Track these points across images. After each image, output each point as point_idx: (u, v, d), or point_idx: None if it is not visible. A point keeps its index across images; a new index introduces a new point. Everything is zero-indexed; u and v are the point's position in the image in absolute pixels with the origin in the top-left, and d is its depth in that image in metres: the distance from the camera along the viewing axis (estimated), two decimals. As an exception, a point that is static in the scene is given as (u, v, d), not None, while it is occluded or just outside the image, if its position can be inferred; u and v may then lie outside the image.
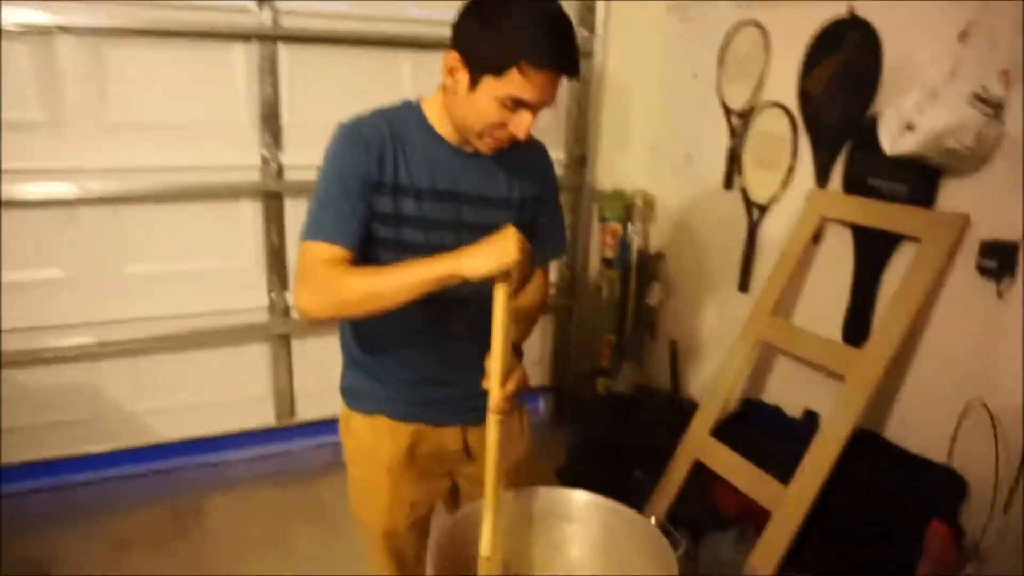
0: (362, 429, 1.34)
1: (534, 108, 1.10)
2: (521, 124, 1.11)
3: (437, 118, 1.20)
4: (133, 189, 2.27)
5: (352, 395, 1.36)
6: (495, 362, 1.08)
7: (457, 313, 1.24)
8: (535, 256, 1.27)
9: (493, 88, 1.08)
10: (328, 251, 1.12)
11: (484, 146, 1.17)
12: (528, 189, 1.28)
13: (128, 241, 2.33)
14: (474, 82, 1.09)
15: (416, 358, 1.27)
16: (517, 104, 1.09)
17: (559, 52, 1.07)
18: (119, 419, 2.45)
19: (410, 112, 1.22)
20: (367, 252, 1.18)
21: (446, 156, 1.20)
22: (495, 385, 1.09)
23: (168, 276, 2.41)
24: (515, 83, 1.06)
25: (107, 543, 2.19)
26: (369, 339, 1.30)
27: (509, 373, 1.10)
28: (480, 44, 1.07)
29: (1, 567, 2.03)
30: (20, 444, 2.34)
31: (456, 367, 1.28)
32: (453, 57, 1.11)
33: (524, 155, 1.28)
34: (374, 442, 1.32)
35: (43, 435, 2.37)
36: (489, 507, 1.10)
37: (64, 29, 2.09)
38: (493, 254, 1.01)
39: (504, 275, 1.02)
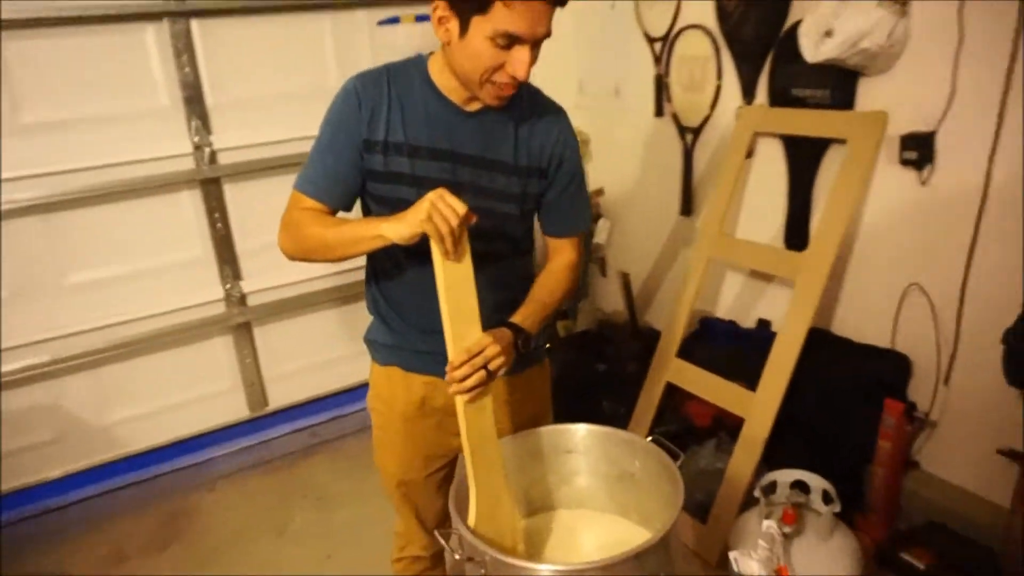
0: (379, 379, 1.38)
1: (528, 42, 1.07)
2: (519, 62, 1.07)
3: (439, 74, 1.18)
4: (61, 192, 2.17)
5: (372, 346, 1.39)
6: (445, 331, 1.08)
7: (484, 271, 1.19)
8: (546, 226, 1.31)
9: (482, 27, 1.05)
10: (306, 203, 1.20)
11: (489, 96, 1.13)
12: (539, 158, 1.23)
13: (66, 249, 2.23)
14: (463, 26, 1.07)
15: (426, 308, 1.19)
16: (510, 40, 1.06)
17: None
18: (89, 434, 2.39)
19: (415, 68, 1.19)
20: (368, 206, 1.25)
21: (446, 114, 1.18)
22: (450, 353, 1.08)
23: (115, 280, 2.32)
24: (501, 17, 1.03)
25: (104, 557, 2.17)
26: (387, 288, 1.31)
27: (470, 344, 1.07)
28: None
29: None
30: (-7, 475, 2.27)
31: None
32: (440, 7, 1.09)
33: (540, 121, 1.23)
34: (390, 392, 1.35)
35: (12, 462, 2.29)
36: (471, 479, 1.12)
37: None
38: (407, 218, 1.03)
39: (438, 239, 1.02)
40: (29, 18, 2.04)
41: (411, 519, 1.46)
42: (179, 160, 2.33)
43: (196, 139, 2.33)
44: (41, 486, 2.36)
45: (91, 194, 2.21)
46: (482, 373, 1.07)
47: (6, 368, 2.20)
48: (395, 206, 1.13)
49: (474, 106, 1.18)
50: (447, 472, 1.42)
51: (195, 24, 2.27)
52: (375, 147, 1.17)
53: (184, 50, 2.26)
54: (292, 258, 1.22)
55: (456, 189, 1.09)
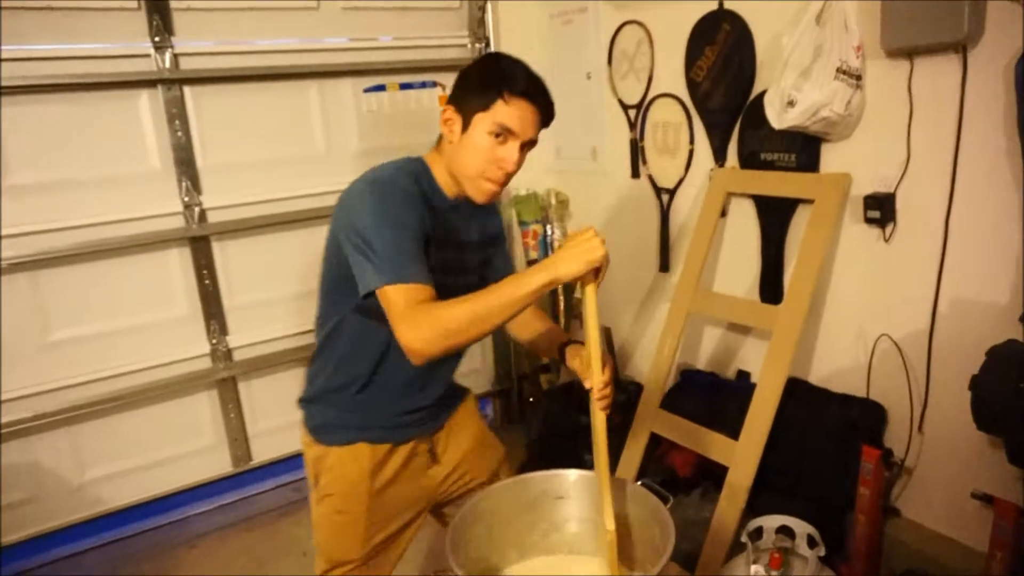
0: (340, 461, 1.39)
1: (519, 139, 1.25)
2: (510, 156, 1.25)
3: (439, 174, 1.33)
4: (51, 250, 2.19)
5: (325, 430, 1.41)
6: (593, 355, 1.18)
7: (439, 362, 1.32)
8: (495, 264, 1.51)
9: (483, 122, 1.24)
10: (416, 290, 1.15)
11: (479, 192, 1.29)
12: (490, 230, 1.48)
13: (53, 306, 2.25)
14: (466, 124, 1.26)
15: (397, 397, 1.40)
16: (505, 133, 1.23)
17: (536, 88, 1.26)
18: (67, 492, 2.34)
19: (421, 168, 1.34)
20: None
21: (445, 209, 1.33)
22: (596, 375, 1.19)
23: (101, 336, 2.33)
24: (500, 111, 1.23)
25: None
26: (353, 380, 1.38)
27: (603, 363, 1.20)
28: (470, 93, 1.26)
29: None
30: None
31: (429, 397, 1.44)
32: (449, 110, 1.28)
33: (484, 206, 1.39)
34: (355, 469, 1.39)
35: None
36: (604, 487, 1.21)
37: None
38: (582, 254, 1.09)
39: (592, 273, 1.12)
40: (28, 84, 2.11)
41: None
42: (169, 219, 2.38)
43: (186, 199, 2.39)
44: (10, 548, 2.28)
45: (81, 251, 2.24)
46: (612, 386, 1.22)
47: (-17, 425, 2.17)
48: None
49: (458, 199, 1.35)
50: (409, 529, 1.50)
51: (188, 91, 2.36)
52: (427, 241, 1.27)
53: (177, 115, 2.34)
54: (427, 354, 1.12)
55: (465, 271, 1.32)
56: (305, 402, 1.45)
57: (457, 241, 1.36)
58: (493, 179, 1.27)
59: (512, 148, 1.25)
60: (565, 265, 1.09)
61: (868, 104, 1.89)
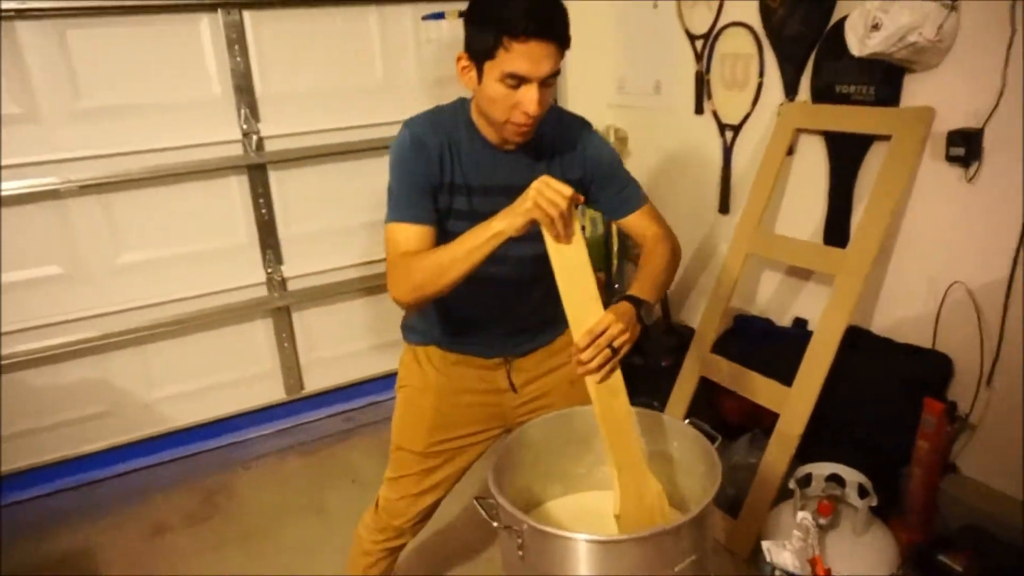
0: (413, 357, 1.49)
1: (535, 81, 1.16)
2: (529, 100, 1.17)
3: (478, 118, 1.30)
4: (117, 174, 2.25)
5: (409, 330, 1.52)
6: (569, 315, 1.12)
7: (496, 294, 1.37)
8: (611, 214, 1.42)
9: (492, 72, 1.17)
10: (406, 230, 1.25)
11: (511, 134, 1.23)
12: (570, 171, 1.34)
13: (119, 229, 2.32)
14: (480, 73, 1.20)
15: (464, 322, 1.43)
16: (517, 80, 1.16)
17: (536, 20, 1.12)
18: (133, 409, 2.47)
19: (461, 112, 1.31)
20: None
21: (490, 154, 1.30)
22: (575, 334, 1.11)
23: (163, 261, 2.40)
24: (505, 60, 1.15)
25: (141, 529, 2.24)
26: (436, 303, 1.41)
27: (593, 325, 1.10)
28: (474, 38, 1.18)
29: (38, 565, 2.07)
30: (37, 446, 2.36)
31: (504, 329, 1.44)
32: (462, 57, 1.23)
33: (563, 143, 1.35)
34: (424, 366, 1.47)
35: (60, 434, 2.38)
36: (611, 463, 1.15)
37: (21, 13, 2.04)
38: (514, 206, 1.11)
39: (546, 222, 1.08)
40: (92, 6, 2.12)
41: (412, 488, 1.49)
42: (228, 147, 2.40)
43: (244, 127, 2.40)
44: (85, 458, 2.44)
45: (144, 176, 2.30)
46: (607, 352, 1.09)
47: (60, 340, 2.29)
48: (453, 239, 1.21)
49: (511, 146, 1.30)
50: (477, 443, 1.51)
51: (247, 15, 2.34)
52: (442, 188, 1.29)
53: (236, 40, 2.33)
54: (404, 303, 1.25)
55: None
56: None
57: (513, 186, 1.26)
58: (519, 123, 1.21)
59: (530, 91, 1.17)
60: (500, 220, 1.12)
61: (962, 29, 1.74)
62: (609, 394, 1.12)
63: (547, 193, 1.07)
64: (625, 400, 1.15)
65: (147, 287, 2.39)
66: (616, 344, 1.10)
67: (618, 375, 1.14)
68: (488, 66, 1.17)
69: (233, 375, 2.60)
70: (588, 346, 1.09)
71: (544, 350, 1.49)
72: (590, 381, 1.12)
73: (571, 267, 1.10)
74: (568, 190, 1.08)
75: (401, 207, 1.26)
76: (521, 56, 1.13)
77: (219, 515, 2.29)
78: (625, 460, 1.15)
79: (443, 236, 1.27)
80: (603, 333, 1.09)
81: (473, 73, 1.21)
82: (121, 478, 2.48)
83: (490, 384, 1.47)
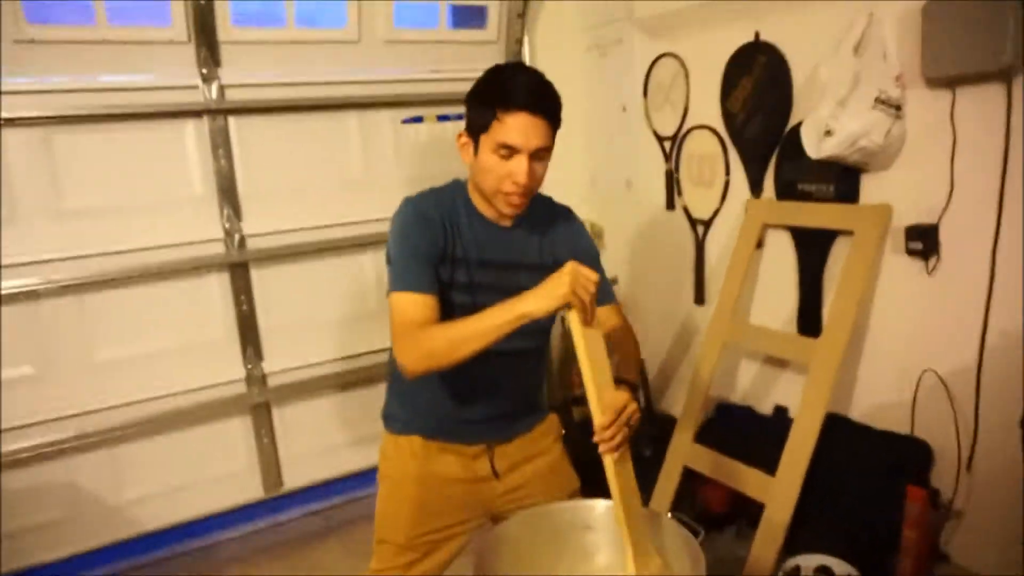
0: (396, 447, 1.48)
1: (526, 152, 1.25)
2: (519, 170, 1.25)
3: (474, 196, 1.37)
4: (95, 274, 2.25)
5: (390, 419, 1.51)
6: (590, 395, 1.16)
7: (490, 374, 1.38)
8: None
9: (487, 143, 1.27)
10: (413, 299, 1.27)
11: (504, 204, 1.31)
12: (559, 253, 1.42)
13: (96, 328, 2.30)
14: (476, 146, 1.30)
15: (447, 406, 1.43)
16: (508, 151, 1.25)
17: (529, 96, 1.24)
18: (103, 513, 2.37)
19: (458, 192, 1.38)
20: None
21: (487, 230, 1.37)
22: (595, 416, 1.15)
23: (140, 359, 2.37)
24: (498, 130, 1.25)
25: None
26: (406, 386, 1.44)
27: (609, 405, 1.15)
28: (473, 113, 1.29)
29: None
30: (3, 553, 2.24)
31: (487, 411, 1.44)
32: (463, 135, 1.33)
33: (552, 225, 1.45)
34: (406, 456, 1.45)
35: (26, 540, 2.26)
36: (625, 534, 1.16)
37: (10, 122, 2.10)
38: (549, 289, 1.13)
39: (579, 307, 1.11)
40: (80, 115, 2.19)
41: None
42: (210, 245, 2.44)
43: (227, 225, 2.44)
44: (49, 567, 2.31)
45: (125, 276, 2.30)
46: (626, 430, 1.16)
47: (31, 443, 2.22)
48: (452, 309, 1.31)
49: (506, 222, 1.37)
50: (459, 535, 1.49)
51: (232, 120, 2.43)
52: (445, 260, 1.33)
53: (221, 144, 2.41)
54: (413, 371, 1.24)
55: (504, 291, 1.26)
56: (388, 391, 1.54)
57: (509, 262, 1.37)
58: (510, 193, 1.28)
59: (520, 162, 1.25)
60: (533, 302, 1.13)
61: (909, 134, 1.86)
62: (622, 468, 1.17)
63: (580, 278, 1.12)
64: (632, 473, 1.20)
65: (123, 385, 2.35)
66: (632, 421, 1.17)
67: (627, 450, 1.20)
68: (483, 139, 1.27)
69: (208, 474, 2.52)
70: (612, 424, 1.14)
71: (524, 437, 1.50)
72: (609, 459, 1.16)
73: (593, 350, 1.14)
74: (595, 275, 1.13)
75: (407, 277, 1.28)
76: (512, 127, 1.23)
77: (187, 627, 2.17)
78: (637, 533, 1.17)
79: (444, 306, 1.30)
80: (623, 410, 1.16)
81: (470, 148, 1.31)
82: (86, 587, 2.35)
83: (472, 473, 1.46)
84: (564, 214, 1.50)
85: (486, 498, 1.48)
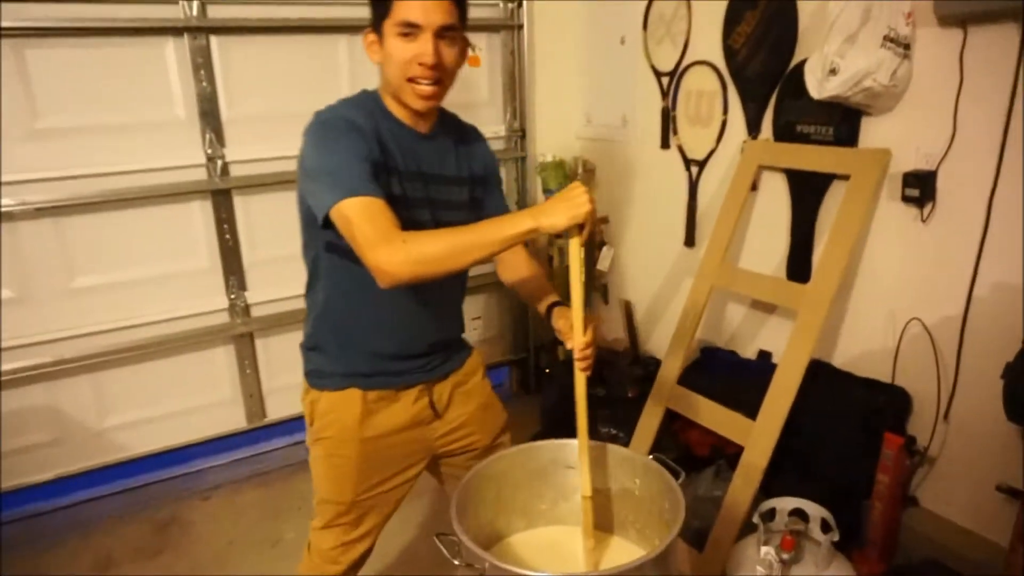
0: (332, 405, 1.39)
1: (429, 32, 1.19)
2: (424, 51, 1.19)
3: (389, 103, 1.29)
4: (73, 197, 2.20)
5: (319, 375, 1.41)
6: (575, 315, 1.18)
7: (423, 299, 1.34)
8: (489, 208, 1.47)
9: (390, 30, 1.20)
10: (373, 202, 1.13)
11: (415, 98, 1.24)
12: (475, 168, 1.42)
13: (75, 252, 2.26)
14: (380, 35, 1.23)
15: (381, 339, 1.36)
16: (412, 29, 1.19)
17: None
18: (87, 438, 2.38)
19: (373, 102, 1.29)
20: None
21: (409, 139, 1.29)
22: (577, 336, 1.19)
23: (122, 285, 2.34)
24: (398, 9, 1.18)
25: (91, 561, 2.15)
26: (337, 324, 1.37)
27: (586, 325, 1.19)
28: (374, 3, 1.23)
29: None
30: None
31: (420, 343, 1.40)
32: (369, 34, 1.26)
33: (467, 140, 1.42)
34: (347, 414, 1.37)
35: (10, 462, 2.28)
36: (583, 452, 1.21)
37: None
38: (568, 208, 1.09)
39: (577, 228, 1.11)
40: (53, 27, 2.09)
41: (343, 536, 1.43)
42: (192, 171, 2.37)
43: (209, 151, 2.37)
44: (33, 488, 2.34)
45: (103, 199, 2.25)
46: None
47: (11, 366, 2.21)
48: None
49: (423, 128, 1.31)
50: (405, 481, 1.46)
51: (214, 40, 2.32)
52: (379, 169, 1.22)
53: (203, 65, 2.31)
54: (400, 279, 1.11)
55: (432, 205, 1.28)
56: (303, 348, 1.46)
57: (432, 174, 1.32)
58: (418, 78, 1.21)
59: (424, 41, 1.19)
60: (549, 216, 1.09)
61: (915, 75, 1.80)
62: (581, 385, 1.22)
63: (592, 200, 1.11)
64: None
65: (104, 312, 2.32)
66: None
67: None
68: (386, 26, 1.20)
69: (191, 403, 2.53)
70: (589, 346, 1.20)
71: (457, 373, 1.48)
72: (582, 376, 1.21)
73: (578, 270, 1.16)
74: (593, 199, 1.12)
75: (355, 182, 1.13)
76: (412, 4, 1.17)
77: (170, 549, 2.21)
78: (586, 443, 1.22)
79: None
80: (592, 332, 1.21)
81: (377, 45, 1.24)
82: (68, 509, 2.38)
83: (413, 417, 1.42)
84: (475, 131, 1.47)
85: (428, 443, 1.46)
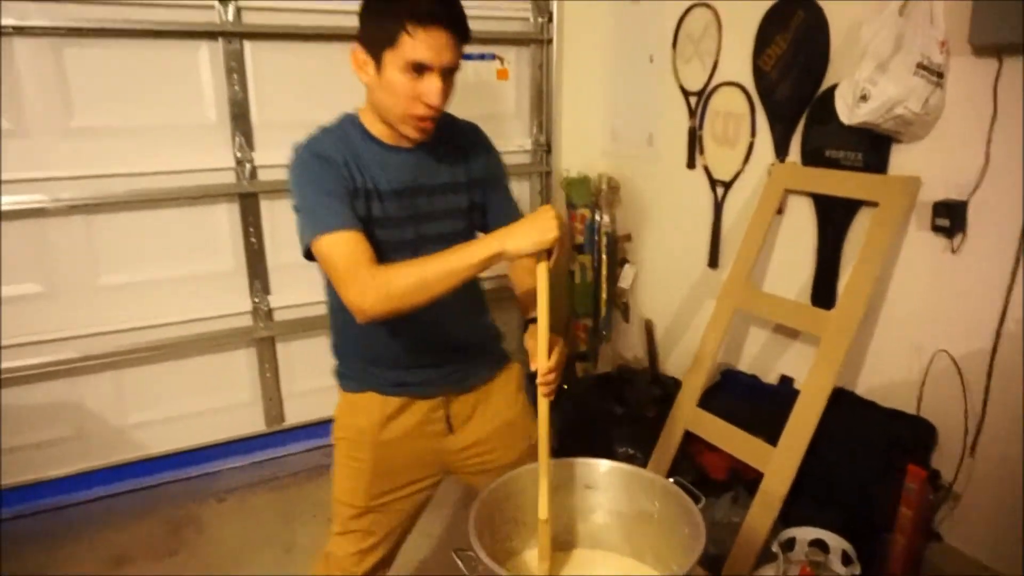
0: (350, 407, 1.42)
1: (437, 71, 1.16)
2: (431, 90, 1.16)
3: (372, 124, 1.27)
4: (104, 195, 2.23)
5: (342, 377, 1.45)
6: (540, 338, 1.15)
7: (432, 310, 1.29)
8: (492, 210, 1.42)
9: (394, 61, 1.15)
10: (346, 237, 1.16)
11: (411, 129, 1.22)
12: (474, 171, 1.36)
13: (103, 250, 2.29)
14: (378, 64, 1.17)
15: (396, 348, 1.36)
16: (419, 69, 1.15)
17: (442, 6, 1.14)
18: (106, 435, 2.41)
19: (351, 124, 1.28)
20: None
21: (392, 156, 1.27)
22: (541, 359, 1.16)
23: (147, 284, 2.37)
24: (408, 47, 1.13)
25: (104, 559, 2.16)
26: (353, 333, 1.37)
27: (552, 348, 1.17)
28: (372, 27, 1.17)
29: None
30: (6, 466, 2.28)
31: (434, 352, 1.39)
32: (357, 50, 1.20)
33: (460, 140, 1.36)
34: (364, 417, 1.39)
35: (30, 455, 2.31)
36: (543, 474, 1.18)
37: (20, 30, 2.04)
38: (534, 233, 1.09)
39: (545, 253, 1.10)
40: (91, 27, 2.13)
41: (360, 543, 1.43)
42: (220, 173, 2.40)
43: (239, 154, 2.40)
44: (50, 483, 2.37)
45: (133, 199, 2.28)
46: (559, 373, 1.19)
47: (36, 360, 2.24)
48: (377, 246, 1.20)
49: (406, 143, 1.27)
50: (421, 491, 1.46)
51: (248, 45, 2.36)
52: (357, 195, 1.23)
53: (236, 69, 2.35)
54: (372, 315, 1.13)
55: (417, 220, 1.25)
56: (333, 350, 1.47)
57: (420, 186, 1.28)
58: (420, 115, 1.19)
59: (432, 81, 1.16)
60: (514, 240, 1.09)
61: (948, 104, 1.78)
62: (544, 409, 1.20)
63: (563, 223, 1.10)
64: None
65: (129, 310, 2.35)
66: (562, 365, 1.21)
67: None
68: (389, 56, 1.15)
69: (210, 404, 2.55)
70: (553, 370, 1.18)
71: (481, 389, 1.46)
72: (546, 401, 1.19)
73: (544, 293, 1.14)
74: (564, 221, 1.10)
75: (328, 218, 1.16)
76: (425, 43, 1.13)
77: (185, 549, 2.22)
78: (546, 466, 1.21)
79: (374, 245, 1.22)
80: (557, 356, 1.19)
81: (370, 67, 1.18)
82: (85, 505, 2.40)
83: (429, 428, 1.41)
84: (473, 130, 1.41)
85: (443, 456, 1.45)
